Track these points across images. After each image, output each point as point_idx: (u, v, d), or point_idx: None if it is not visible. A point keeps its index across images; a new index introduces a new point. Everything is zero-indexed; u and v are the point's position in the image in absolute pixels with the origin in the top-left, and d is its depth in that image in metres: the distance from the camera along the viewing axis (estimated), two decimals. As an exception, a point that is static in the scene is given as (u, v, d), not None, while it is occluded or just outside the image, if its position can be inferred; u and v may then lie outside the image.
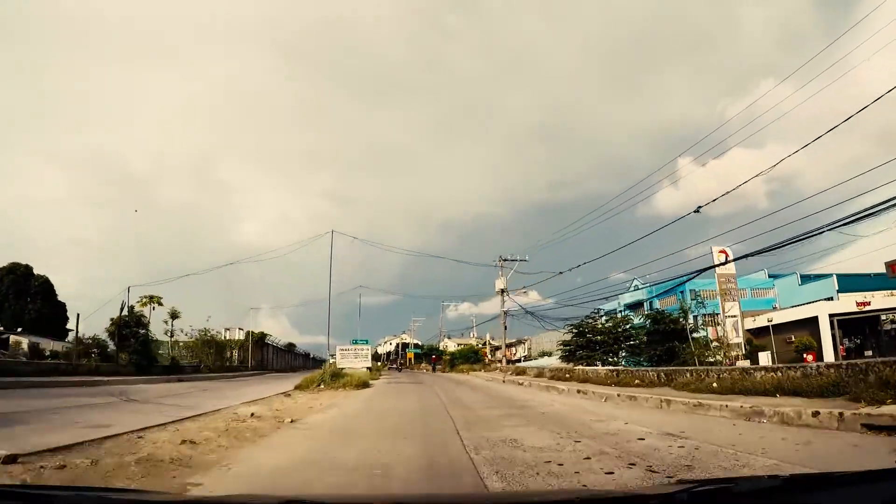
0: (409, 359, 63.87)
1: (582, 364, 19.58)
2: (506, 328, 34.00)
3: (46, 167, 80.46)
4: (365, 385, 16.60)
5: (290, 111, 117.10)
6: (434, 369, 50.96)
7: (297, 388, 15.49)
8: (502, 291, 33.61)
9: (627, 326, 21.47)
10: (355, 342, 34.37)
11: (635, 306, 48.43)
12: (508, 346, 70.57)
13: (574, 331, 22.01)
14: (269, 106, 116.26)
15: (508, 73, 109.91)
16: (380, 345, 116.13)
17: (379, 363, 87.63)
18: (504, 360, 36.26)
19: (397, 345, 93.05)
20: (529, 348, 33.56)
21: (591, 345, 20.71)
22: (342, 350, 24.18)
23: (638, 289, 50.19)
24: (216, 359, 34.44)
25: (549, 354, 55.26)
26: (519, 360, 42.18)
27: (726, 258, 27.80)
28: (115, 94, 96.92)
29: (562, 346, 23.47)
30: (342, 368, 22.53)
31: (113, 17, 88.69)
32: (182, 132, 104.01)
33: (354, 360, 23.55)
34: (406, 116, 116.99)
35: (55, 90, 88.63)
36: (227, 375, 27.94)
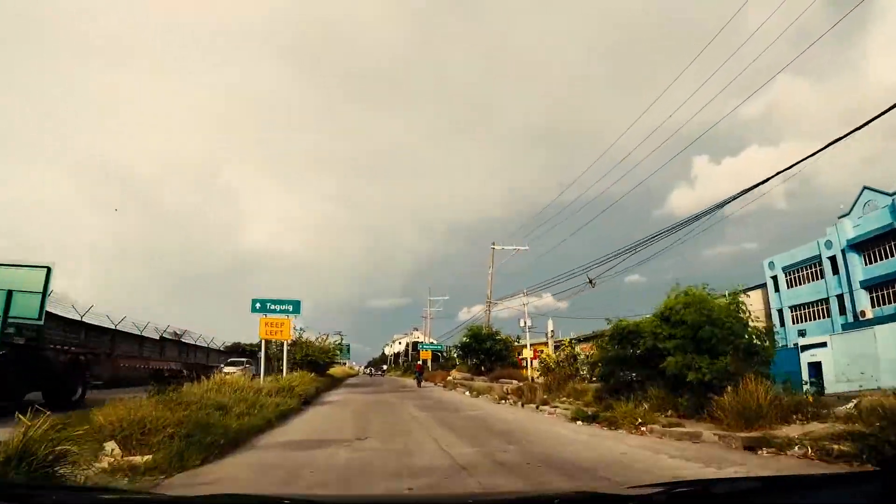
0: (425, 360, 47.26)
1: None
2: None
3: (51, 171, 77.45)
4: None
5: (294, 115, 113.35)
6: (419, 382, 30.74)
7: None
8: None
9: None
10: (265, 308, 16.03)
11: (872, 241, 26.42)
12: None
13: None
14: (273, 110, 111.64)
15: (512, 75, 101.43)
16: (387, 345, 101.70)
17: (359, 368, 71.85)
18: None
19: (407, 344, 79.19)
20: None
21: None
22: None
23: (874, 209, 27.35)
24: None
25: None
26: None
27: None
28: (121, 99, 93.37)
29: None
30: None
31: (115, 24, 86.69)
32: (187, 137, 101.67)
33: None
34: (410, 119, 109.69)
35: (60, 96, 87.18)
36: None
